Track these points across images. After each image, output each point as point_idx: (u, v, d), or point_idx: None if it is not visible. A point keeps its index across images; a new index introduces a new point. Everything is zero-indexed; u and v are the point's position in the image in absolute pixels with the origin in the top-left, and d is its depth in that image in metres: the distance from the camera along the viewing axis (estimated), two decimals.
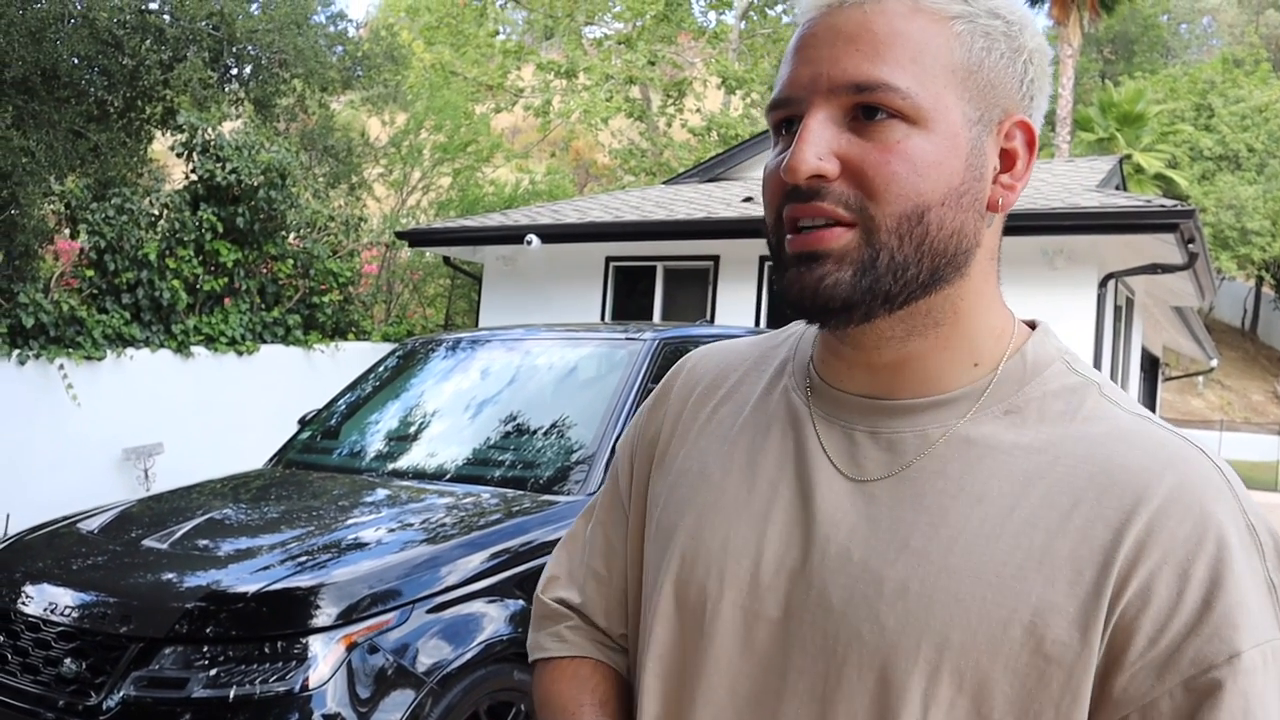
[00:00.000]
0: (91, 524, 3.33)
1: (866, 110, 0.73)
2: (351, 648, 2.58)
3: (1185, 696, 0.66)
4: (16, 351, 7.99)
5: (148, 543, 3.06)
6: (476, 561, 2.98)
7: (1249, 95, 30.10)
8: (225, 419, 9.09)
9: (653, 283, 10.27)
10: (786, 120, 0.77)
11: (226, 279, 9.48)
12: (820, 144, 0.72)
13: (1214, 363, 20.50)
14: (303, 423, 4.70)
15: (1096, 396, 0.77)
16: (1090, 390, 0.78)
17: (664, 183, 14.59)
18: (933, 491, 0.76)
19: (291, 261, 10.05)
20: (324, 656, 2.53)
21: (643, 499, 0.96)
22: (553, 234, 10.10)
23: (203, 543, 3.09)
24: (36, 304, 8.08)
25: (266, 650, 2.53)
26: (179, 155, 9.52)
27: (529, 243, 9.93)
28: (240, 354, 9.44)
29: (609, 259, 10.44)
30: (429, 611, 2.79)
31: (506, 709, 2.92)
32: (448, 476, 3.79)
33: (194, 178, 9.39)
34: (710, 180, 12.62)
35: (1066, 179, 10.15)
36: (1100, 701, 0.69)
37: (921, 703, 0.71)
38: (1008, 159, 0.78)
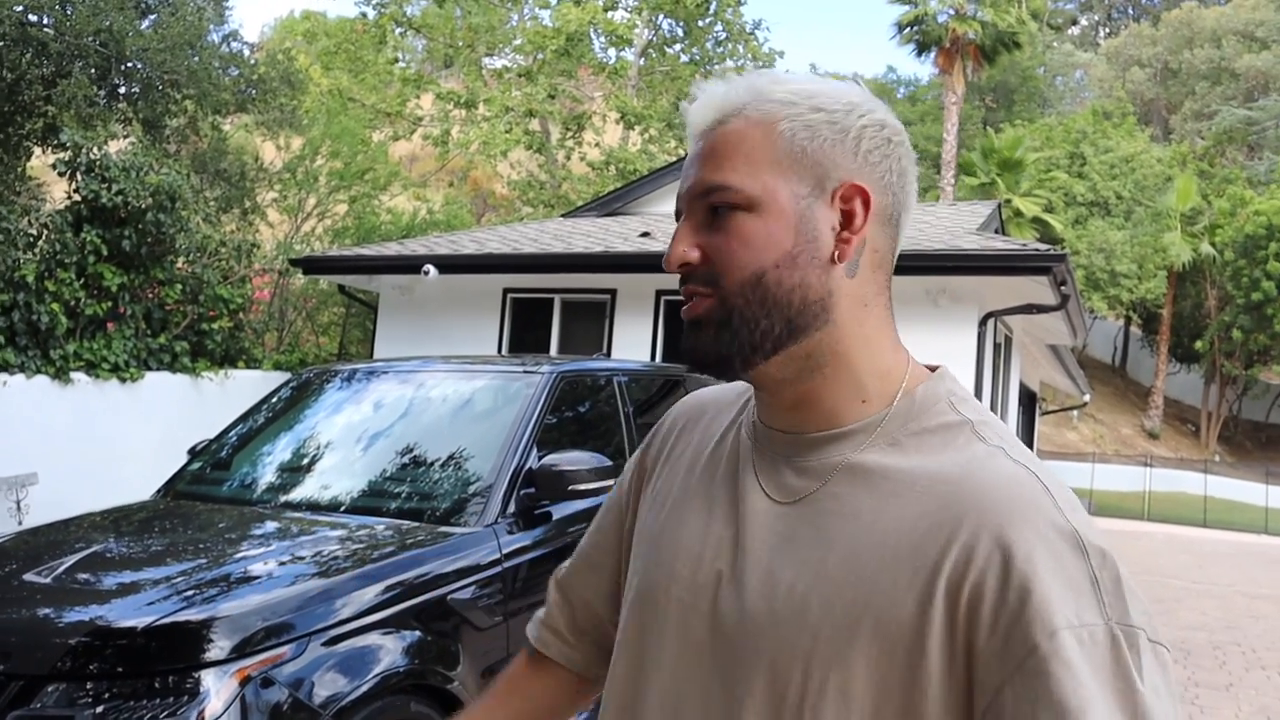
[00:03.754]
0: None
1: (718, 210, 0.93)
2: (245, 682, 2.55)
3: (1023, 680, 0.77)
4: None
5: (29, 577, 2.97)
6: (372, 594, 2.98)
7: (1117, 146, 31.86)
8: (107, 449, 8.78)
9: (550, 315, 10.32)
10: None
11: (110, 303, 9.17)
12: (686, 240, 0.94)
13: (1087, 398, 21.50)
14: (193, 453, 4.60)
15: (968, 433, 0.91)
16: (964, 428, 0.91)
17: (562, 215, 14.69)
18: (824, 511, 0.91)
19: (180, 286, 9.78)
20: (217, 691, 2.50)
21: (634, 513, 1.17)
22: (450, 264, 10.08)
23: (88, 576, 3.02)
24: None
25: (157, 685, 2.48)
26: (61, 174, 9.19)
27: (426, 273, 9.89)
28: (124, 381, 9.14)
29: (506, 290, 10.46)
30: (325, 644, 2.78)
31: None
32: (343, 508, 3.77)
33: (77, 198, 9.08)
34: (608, 214, 12.77)
35: (949, 222, 10.60)
36: (969, 689, 0.80)
37: (800, 682, 0.86)
38: (848, 218, 0.93)
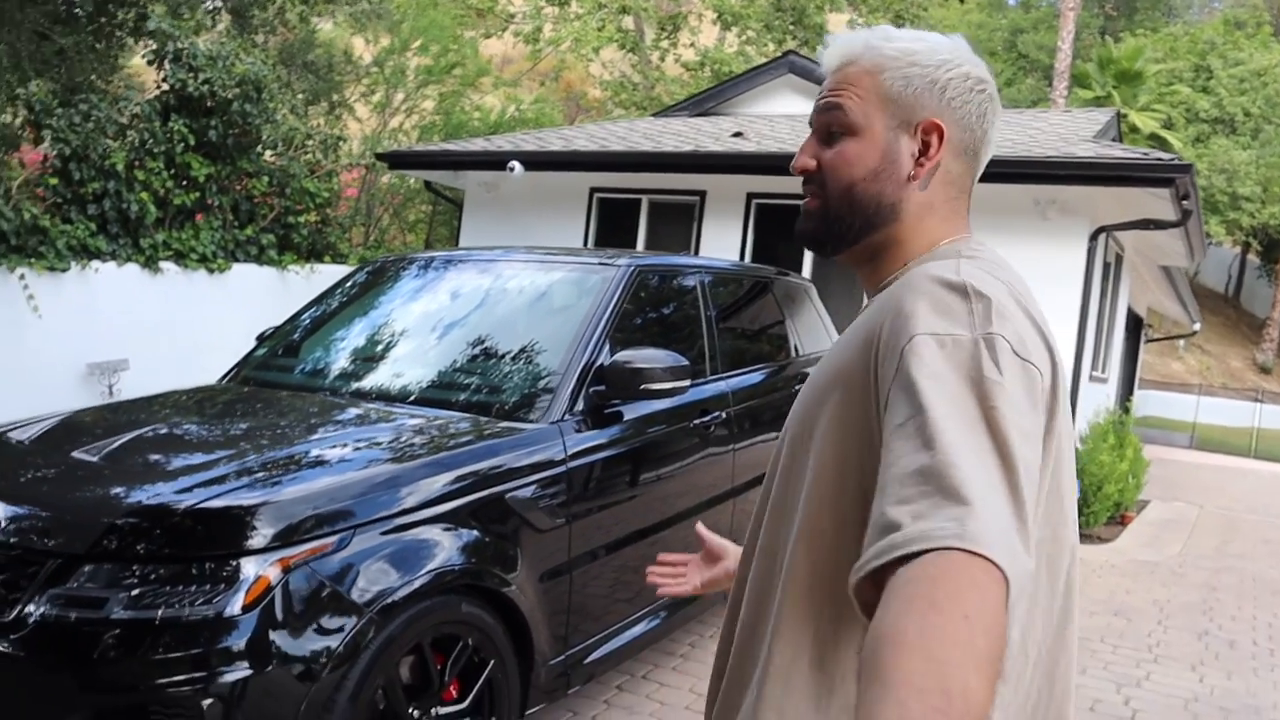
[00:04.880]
0: (23, 434, 3.13)
1: (832, 132, 1.20)
2: (288, 571, 2.41)
3: (897, 375, 0.96)
4: None
5: (77, 455, 2.87)
6: (428, 488, 2.81)
7: (1249, 58, 29.73)
8: (194, 337, 8.86)
9: (637, 216, 10.02)
10: None
11: (198, 194, 9.17)
12: (808, 152, 1.22)
13: (1196, 326, 20.44)
14: (261, 339, 4.50)
15: (952, 258, 1.10)
16: (951, 258, 1.11)
17: (653, 115, 14.25)
18: (849, 330, 1.18)
19: (267, 179, 9.74)
20: (256, 580, 2.36)
21: None
22: (536, 161, 9.82)
23: (137, 456, 2.91)
24: None
25: (194, 571, 2.36)
26: (150, 64, 9.15)
27: (511, 169, 9.66)
28: (211, 272, 9.18)
29: (593, 190, 10.18)
30: (374, 538, 2.62)
31: (452, 642, 2.77)
32: (408, 399, 3.61)
33: (165, 87, 9.04)
34: (700, 114, 12.30)
35: (1063, 129, 9.92)
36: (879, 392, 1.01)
37: (803, 437, 1.14)
38: (925, 147, 1.17)
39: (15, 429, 3.19)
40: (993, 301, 0.98)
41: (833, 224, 1.19)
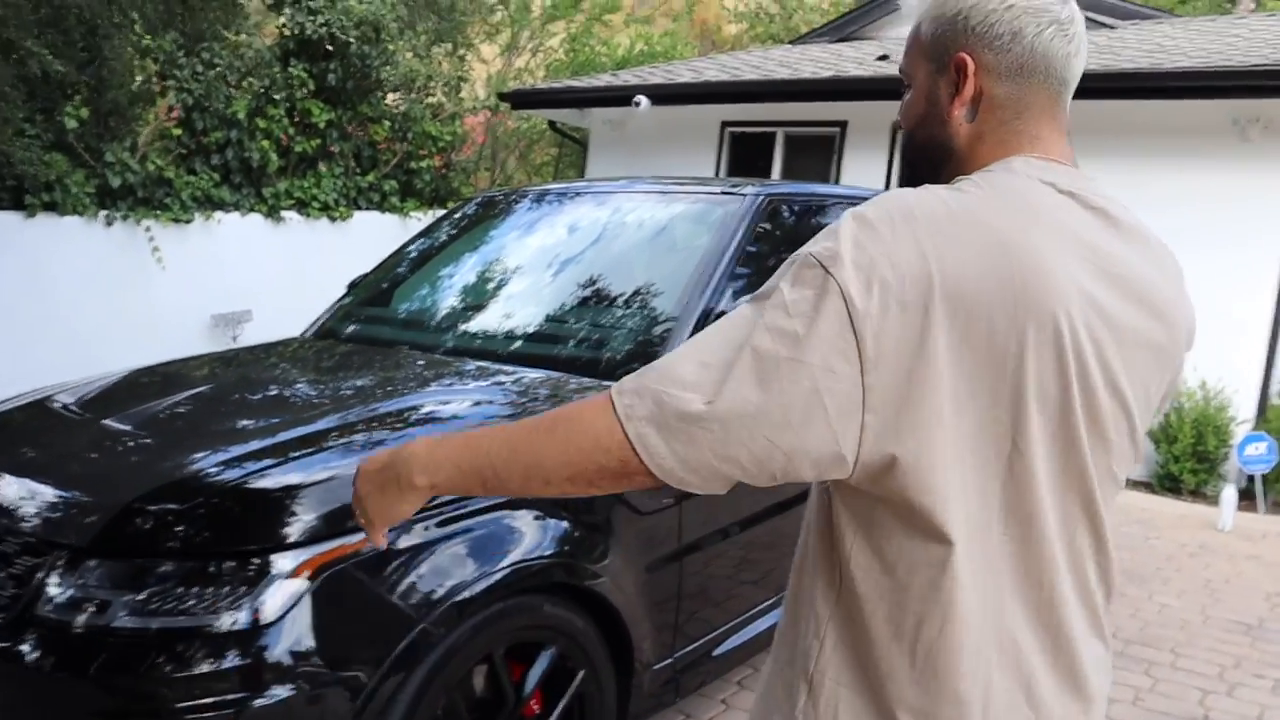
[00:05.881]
0: (68, 397, 2.79)
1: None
2: (325, 569, 1.97)
3: None
4: (104, 212, 7.68)
5: (109, 421, 2.49)
6: None
7: None
8: (317, 287, 8.64)
9: (771, 151, 9.30)
10: None
11: (319, 140, 8.95)
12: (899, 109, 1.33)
13: None
14: (353, 287, 4.11)
15: (897, 191, 1.15)
16: (890, 192, 1.15)
17: (790, 43, 13.37)
18: None
19: (388, 124, 9.46)
20: (286, 581, 1.93)
21: None
22: (664, 95, 9.20)
23: (177, 423, 2.52)
24: (124, 164, 7.72)
25: (212, 570, 1.94)
26: (269, 7, 8.93)
27: (637, 104, 9.08)
28: (333, 220, 8.98)
29: (724, 124, 9.49)
30: (440, 524, 2.16)
31: (532, 651, 2.29)
32: (501, 355, 3.13)
33: (286, 33, 8.82)
34: (842, 40, 11.40)
35: (1269, 33, 8.66)
36: None
37: None
38: (959, 84, 1.21)
39: (63, 391, 2.86)
40: (843, 225, 1.06)
41: (914, 170, 1.26)
